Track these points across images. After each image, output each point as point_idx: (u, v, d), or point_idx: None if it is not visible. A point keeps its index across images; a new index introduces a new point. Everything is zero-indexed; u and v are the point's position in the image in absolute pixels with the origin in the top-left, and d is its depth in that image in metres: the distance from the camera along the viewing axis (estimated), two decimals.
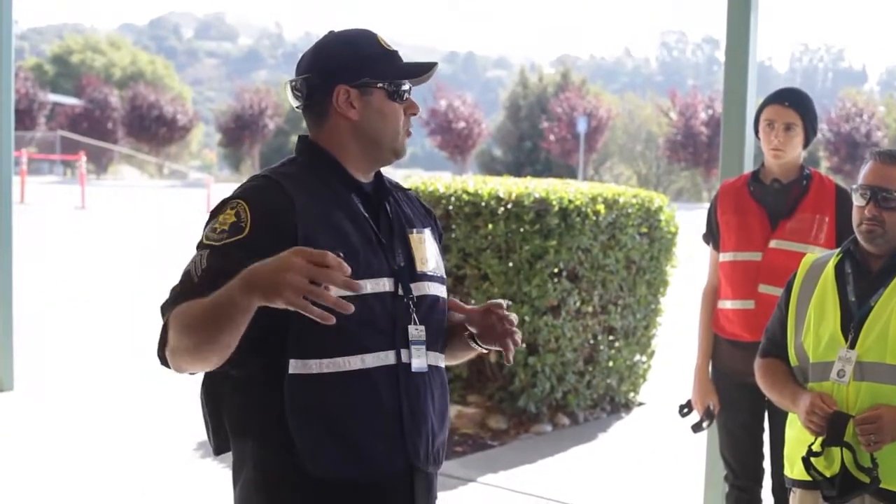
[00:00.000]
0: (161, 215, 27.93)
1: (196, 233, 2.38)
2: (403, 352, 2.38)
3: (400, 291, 2.40)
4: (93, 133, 55.70)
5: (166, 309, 2.26)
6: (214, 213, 2.35)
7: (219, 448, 2.46)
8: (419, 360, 2.41)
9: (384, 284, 2.37)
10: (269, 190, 2.34)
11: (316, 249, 2.06)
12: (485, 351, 2.60)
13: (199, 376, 2.41)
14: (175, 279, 2.30)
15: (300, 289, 2.01)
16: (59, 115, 57.61)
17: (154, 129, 58.26)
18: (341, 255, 2.07)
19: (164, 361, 2.28)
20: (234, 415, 2.38)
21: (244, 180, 2.44)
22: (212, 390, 2.42)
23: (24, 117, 51.05)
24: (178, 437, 6.71)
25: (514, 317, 2.52)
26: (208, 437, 2.48)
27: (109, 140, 57.02)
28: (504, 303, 2.54)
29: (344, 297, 2.09)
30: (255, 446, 2.34)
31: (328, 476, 2.31)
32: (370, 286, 2.33)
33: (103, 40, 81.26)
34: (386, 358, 2.36)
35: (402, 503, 2.41)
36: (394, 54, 2.46)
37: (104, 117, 57.61)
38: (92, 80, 60.93)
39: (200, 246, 2.31)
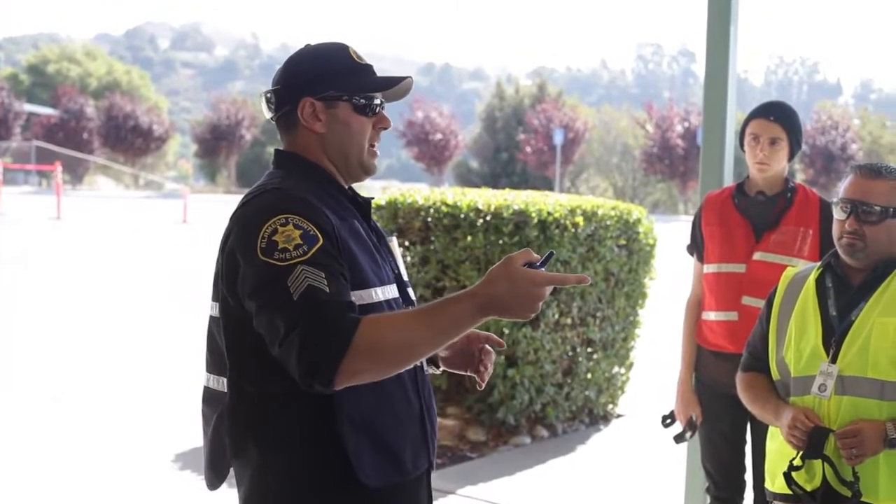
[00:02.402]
0: (137, 226, 27.77)
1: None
2: None
3: (401, 297, 2.45)
4: (68, 143, 55.43)
5: (333, 325, 2.11)
6: (257, 234, 2.21)
7: (218, 481, 2.43)
8: (425, 361, 2.48)
9: (394, 291, 2.41)
10: (304, 202, 2.26)
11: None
12: (437, 371, 2.67)
13: (198, 395, 2.30)
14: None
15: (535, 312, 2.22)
16: (34, 125, 57.34)
17: (130, 140, 58.05)
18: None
19: (328, 381, 2.12)
20: (273, 432, 2.30)
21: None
22: (243, 414, 2.31)
23: None
24: (158, 443, 6.68)
25: (493, 356, 2.61)
26: (214, 466, 2.41)
27: (85, 150, 56.75)
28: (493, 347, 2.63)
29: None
30: (287, 459, 2.30)
31: (371, 483, 2.32)
32: (389, 293, 2.38)
33: (79, 50, 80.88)
34: None
35: (423, 499, 2.49)
36: (365, 68, 2.44)
37: (80, 127, 57.35)
38: (67, 90, 60.64)
39: (269, 268, 2.17)
